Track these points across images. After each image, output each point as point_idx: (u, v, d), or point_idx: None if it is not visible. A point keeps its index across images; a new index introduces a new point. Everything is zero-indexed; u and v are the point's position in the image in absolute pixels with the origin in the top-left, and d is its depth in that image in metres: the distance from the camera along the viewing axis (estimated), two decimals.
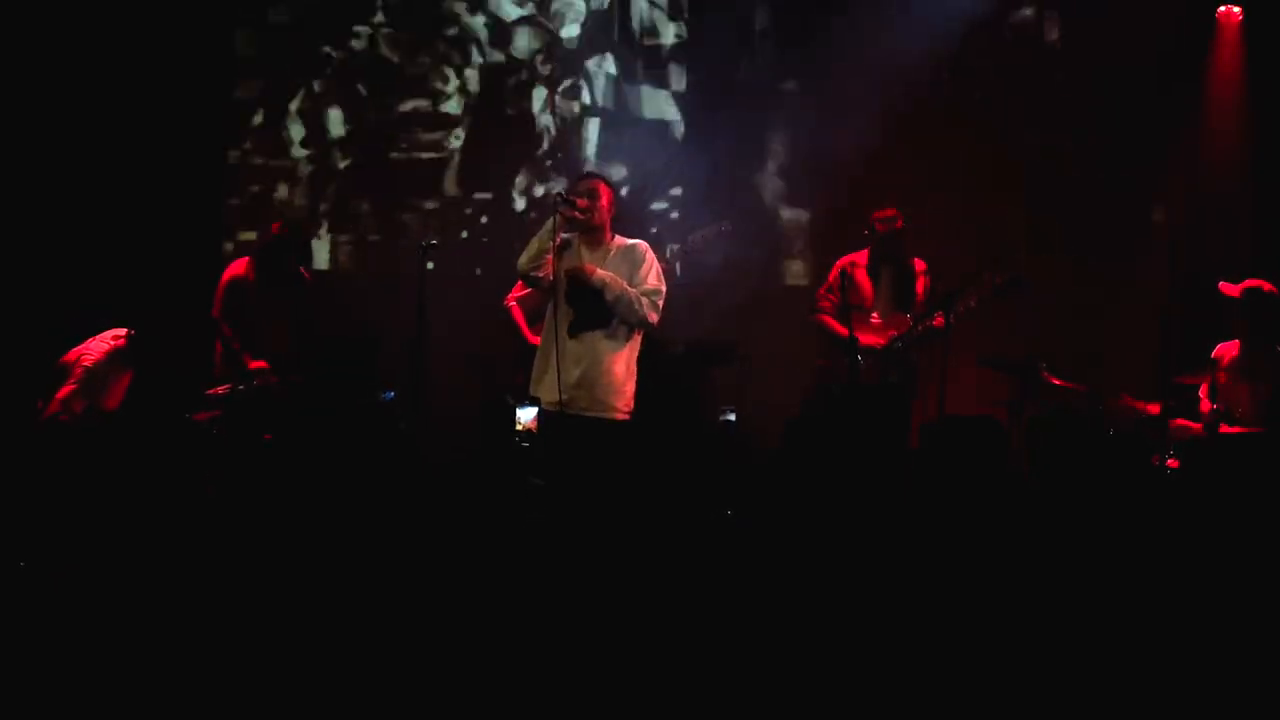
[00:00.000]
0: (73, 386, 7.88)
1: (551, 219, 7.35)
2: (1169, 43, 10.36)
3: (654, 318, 7.43)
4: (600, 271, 7.37)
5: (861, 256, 8.89)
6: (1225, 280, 8.35)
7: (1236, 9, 10.25)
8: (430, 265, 8.02)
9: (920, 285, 8.80)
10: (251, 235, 10.21)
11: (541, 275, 7.36)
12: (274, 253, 8.35)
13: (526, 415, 7.14)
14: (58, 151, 9.65)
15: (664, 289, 7.47)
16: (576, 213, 7.35)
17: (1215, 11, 10.29)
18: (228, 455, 7.57)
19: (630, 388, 7.41)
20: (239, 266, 8.44)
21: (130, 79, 9.78)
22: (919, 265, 8.88)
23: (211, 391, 8.03)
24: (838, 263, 8.93)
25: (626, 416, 7.39)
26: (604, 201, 7.44)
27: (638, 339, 7.46)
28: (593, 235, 7.44)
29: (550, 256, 7.32)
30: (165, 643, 4.22)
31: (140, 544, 5.12)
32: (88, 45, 9.72)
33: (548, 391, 7.31)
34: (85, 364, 7.94)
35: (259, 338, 8.25)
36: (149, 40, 9.85)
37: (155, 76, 9.86)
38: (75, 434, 7.74)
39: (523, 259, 7.39)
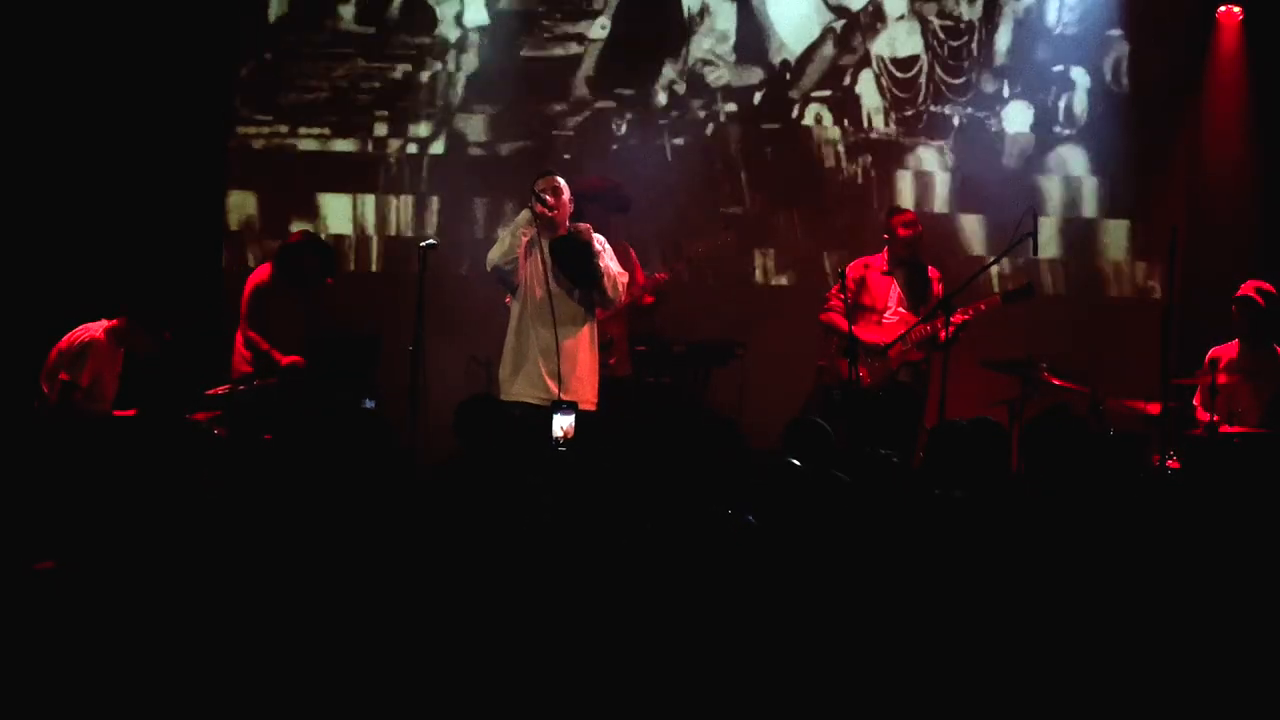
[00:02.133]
0: (72, 363, 7.88)
1: (524, 213, 7.70)
2: (1169, 42, 10.36)
3: (624, 299, 7.94)
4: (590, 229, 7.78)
5: (876, 260, 8.87)
6: (1234, 281, 8.41)
7: (1236, 9, 10.25)
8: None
9: (932, 292, 8.80)
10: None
11: (511, 269, 7.67)
12: (293, 259, 8.40)
13: (564, 421, 7.15)
14: (56, 151, 9.62)
15: (625, 272, 7.96)
16: (547, 210, 7.65)
17: (1215, 11, 10.29)
18: (228, 455, 7.57)
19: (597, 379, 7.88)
20: (262, 273, 8.50)
21: (133, 63, 9.73)
22: (933, 273, 8.88)
23: (211, 391, 8.04)
24: (852, 264, 8.90)
25: (595, 408, 7.79)
26: (565, 198, 7.77)
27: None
28: (553, 232, 7.76)
29: (519, 252, 7.64)
30: (164, 643, 4.22)
31: (139, 544, 5.11)
32: (86, 41, 9.69)
33: (529, 387, 7.52)
34: (82, 340, 7.95)
35: (275, 340, 8.31)
36: (150, 29, 9.81)
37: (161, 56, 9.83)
38: (76, 429, 7.74)
39: (495, 254, 7.71)
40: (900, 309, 8.73)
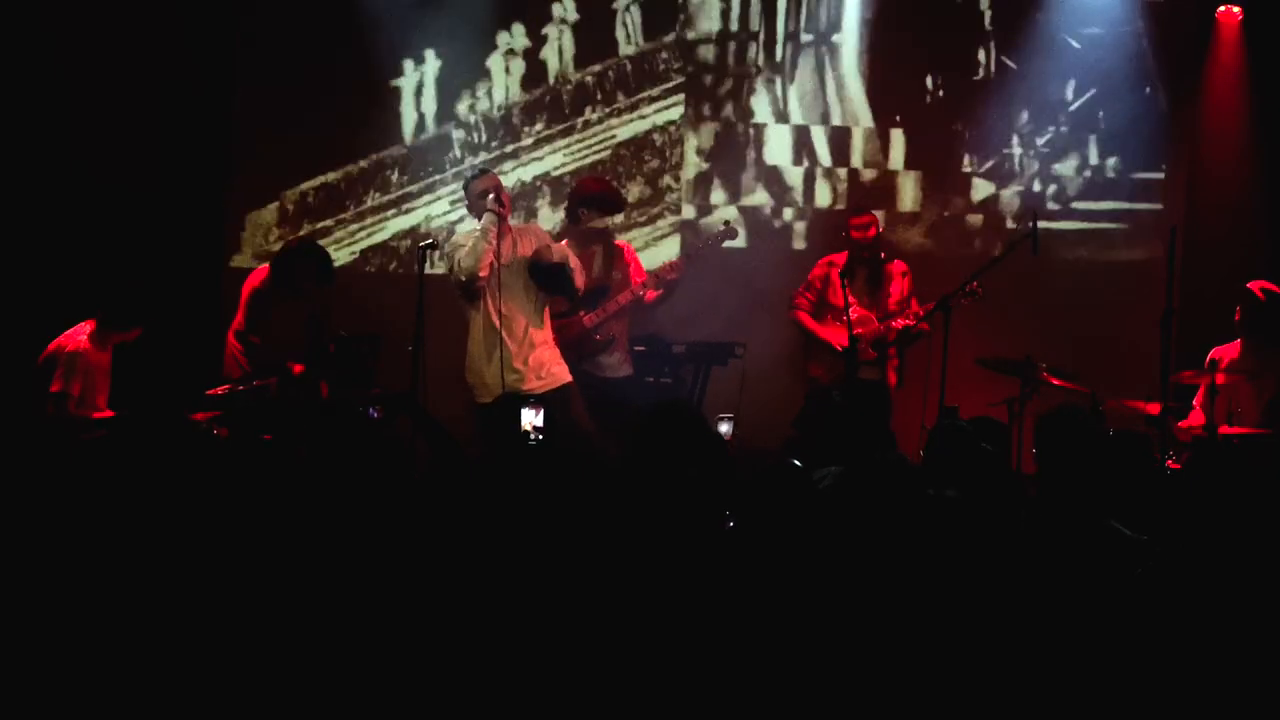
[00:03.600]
0: (61, 373, 7.86)
1: (488, 217, 7.87)
2: (1169, 42, 10.37)
3: (583, 285, 8.20)
4: (555, 245, 8.11)
5: (839, 258, 9.12)
6: (1240, 280, 8.43)
7: (1236, 9, 10.25)
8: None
9: (896, 287, 9.08)
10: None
11: (484, 275, 7.84)
12: (289, 265, 8.39)
13: (533, 416, 7.16)
14: (55, 150, 9.61)
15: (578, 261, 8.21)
16: (504, 210, 7.92)
17: (1215, 11, 10.29)
18: (227, 455, 7.56)
19: None
20: (259, 276, 8.49)
21: (131, 65, 9.72)
22: (899, 267, 9.19)
23: (211, 391, 8.03)
24: (818, 264, 9.27)
25: (570, 377, 8.09)
26: (505, 195, 8.06)
27: None
28: (501, 227, 7.96)
29: (491, 257, 7.83)
30: (164, 645, 4.22)
31: (139, 546, 5.11)
32: (85, 37, 9.67)
33: (506, 380, 7.78)
34: (68, 349, 7.93)
35: (276, 346, 8.32)
36: (149, 35, 9.80)
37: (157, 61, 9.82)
38: (76, 431, 7.73)
39: (469, 263, 7.88)
40: (857, 305, 8.90)
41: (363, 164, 10.52)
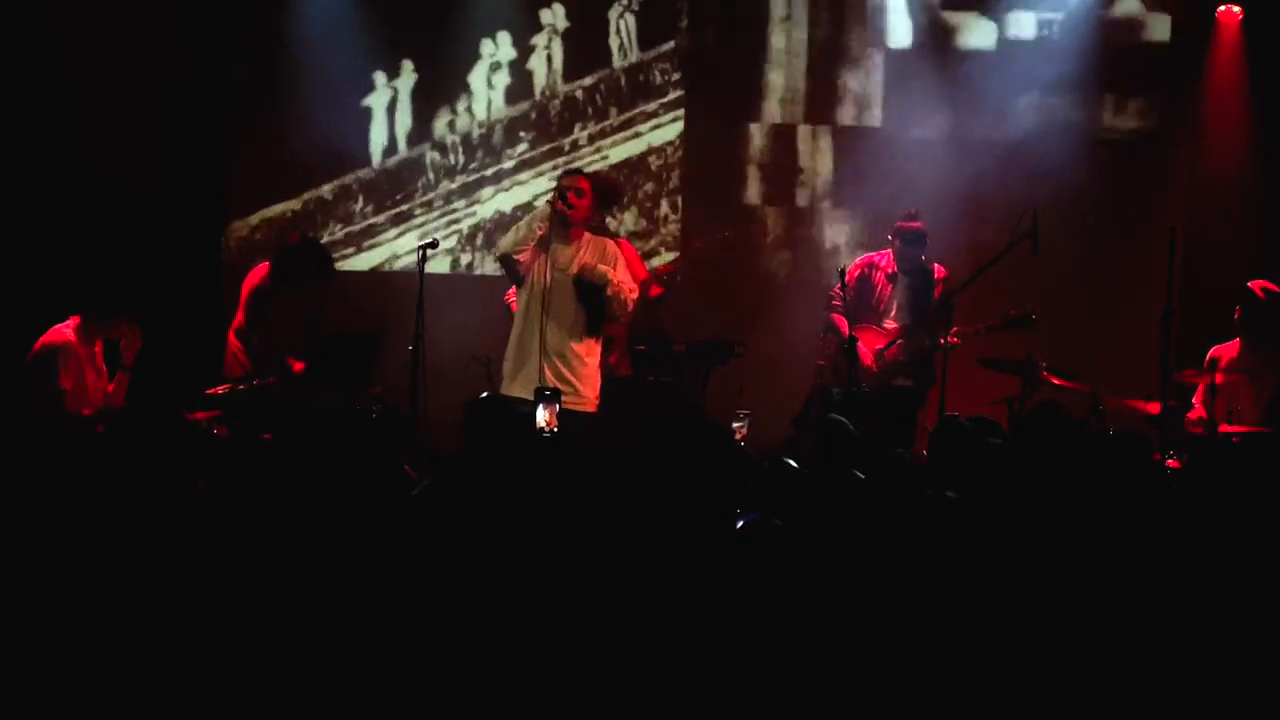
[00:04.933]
0: (51, 370, 7.84)
1: (544, 207, 7.74)
2: (1169, 42, 10.38)
3: (631, 312, 7.96)
4: (603, 267, 7.76)
5: (882, 258, 8.95)
6: (1240, 280, 8.42)
7: (1236, 9, 10.26)
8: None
9: (937, 294, 8.86)
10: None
11: (520, 260, 7.69)
12: (287, 262, 8.37)
13: (546, 412, 7.12)
14: (55, 149, 9.61)
15: (636, 286, 7.95)
16: (567, 207, 7.66)
17: (1215, 11, 10.30)
18: (227, 455, 7.54)
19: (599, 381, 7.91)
20: (259, 274, 8.47)
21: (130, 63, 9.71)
22: (938, 272, 8.95)
23: (211, 391, 8.03)
24: (858, 261, 9.03)
25: (596, 409, 7.82)
26: (587, 201, 7.78)
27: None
28: (568, 230, 7.76)
29: (533, 244, 7.68)
30: (163, 644, 4.22)
31: (136, 545, 5.11)
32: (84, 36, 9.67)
33: (529, 385, 7.51)
34: (56, 344, 7.88)
35: (276, 344, 8.30)
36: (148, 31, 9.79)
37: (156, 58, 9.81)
38: (69, 427, 7.72)
39: (507, 241, 7.77)
40: (897, 316, 8.80)
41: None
